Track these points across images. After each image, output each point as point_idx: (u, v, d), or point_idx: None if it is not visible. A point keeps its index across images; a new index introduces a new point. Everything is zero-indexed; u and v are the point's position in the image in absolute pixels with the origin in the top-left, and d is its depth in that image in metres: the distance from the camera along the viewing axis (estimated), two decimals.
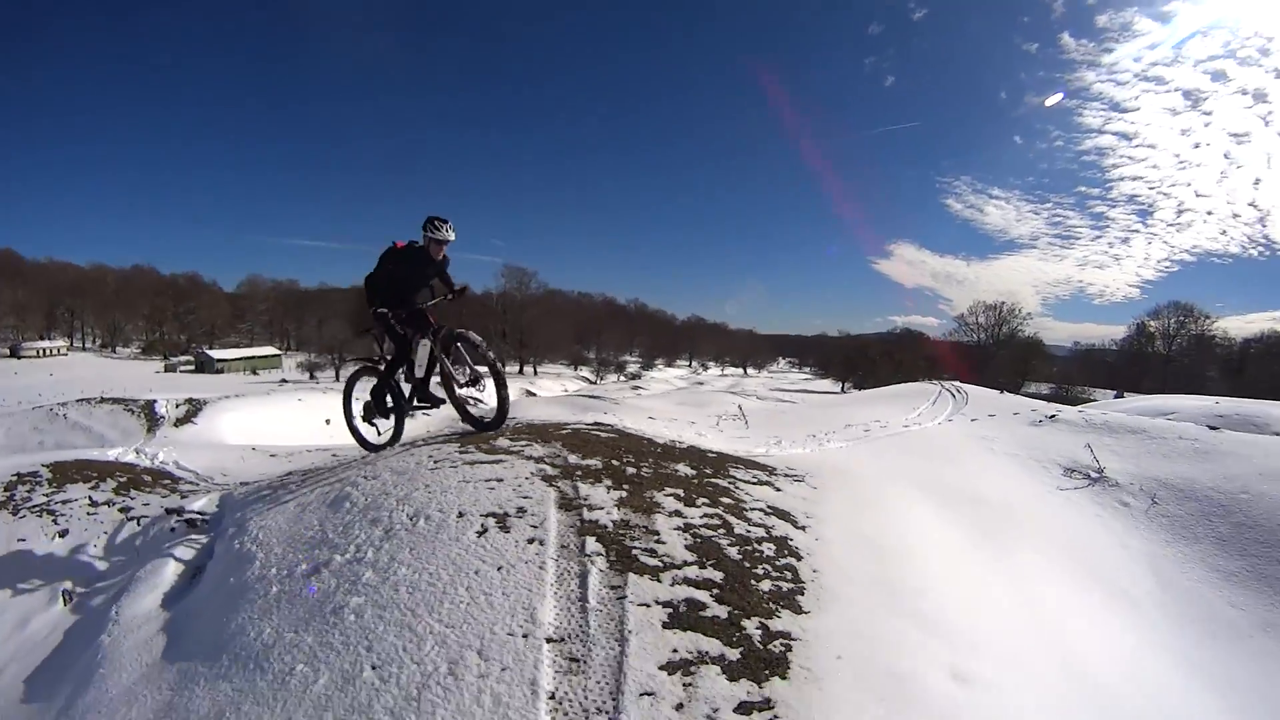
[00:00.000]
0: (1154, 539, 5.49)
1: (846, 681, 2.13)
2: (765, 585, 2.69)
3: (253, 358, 68.30)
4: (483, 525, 2.97)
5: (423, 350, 4.94)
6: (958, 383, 15.13)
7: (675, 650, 2.17)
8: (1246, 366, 44.70)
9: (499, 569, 2.61)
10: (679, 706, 1.95)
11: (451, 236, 4.93)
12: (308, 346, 68.77)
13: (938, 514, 4.81)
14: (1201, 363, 47.90)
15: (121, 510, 5.25)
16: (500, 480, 3.52)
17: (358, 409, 5.43)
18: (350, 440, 5.84)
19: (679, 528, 3.07)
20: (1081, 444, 6.89)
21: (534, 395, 40.57)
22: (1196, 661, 4.14)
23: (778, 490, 4.26)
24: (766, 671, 2.13)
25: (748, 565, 2.83)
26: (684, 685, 2.03)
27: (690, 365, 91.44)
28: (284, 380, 48.84)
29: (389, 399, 5.19)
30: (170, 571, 3.88)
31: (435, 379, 5.09)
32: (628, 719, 1.89)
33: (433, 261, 5.01)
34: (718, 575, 2.67)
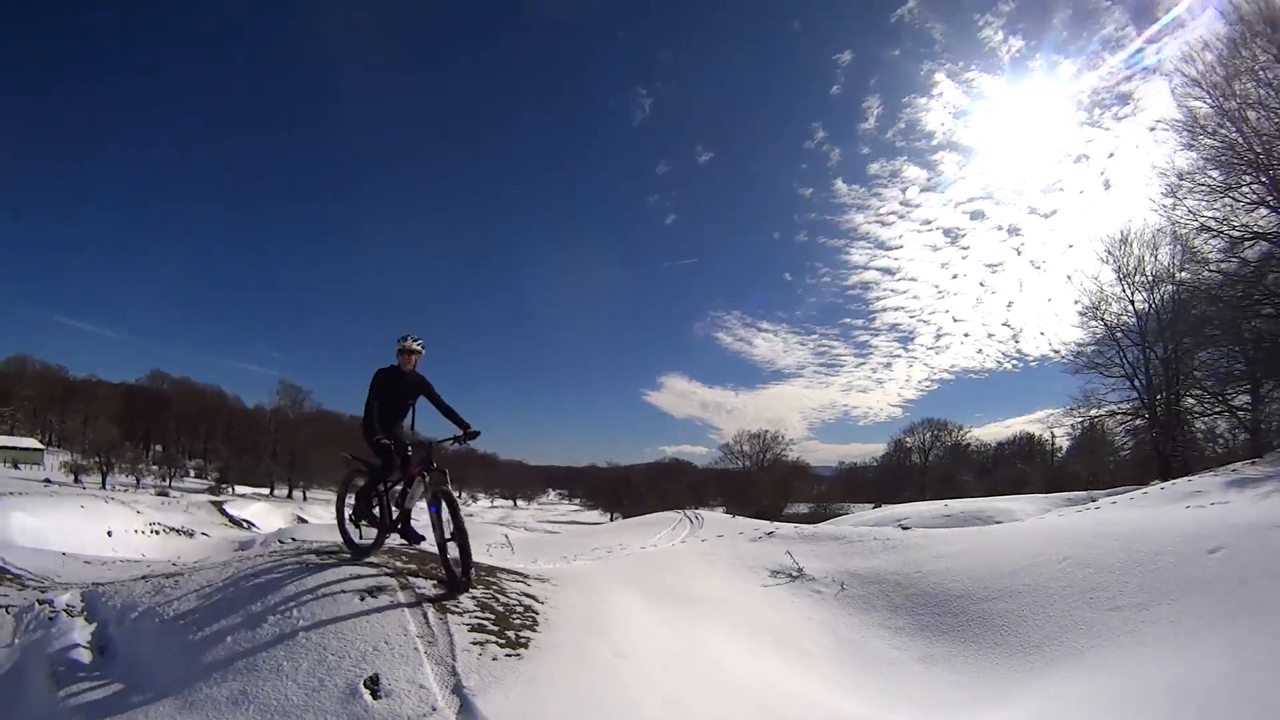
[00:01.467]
0: (838, 613, 7.36)
1: (559, 653, 4.22)
2: (517, 621, 4.75)
3: (13, 448, 59.91)
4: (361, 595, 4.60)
5: (418, 487, 5.05)
6: (699, 510, 18.27)
7: (474, 639, 4.16)
8: (997, 467, 52.81)
9: (378, 611, 4.35)
10: (479, 653, 3.93)
11: (418, 347, 5.30)
12: (70, 444, 61.98)
13: (645, 602, 6.42)
14: (957, 468, 56.02)
15: None
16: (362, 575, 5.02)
17: (348, 510, 5.64)
18: (149, 554, 6.74)
19: (468, 598, 4.91)
20: (791, 556, 9.47)
21: (305, 522, 38.40)
22: (852, 684, 5.73)
23: (528, 585, 5.88)
24: (519, 649, 4.19)
25: (507, 615, 4.83)
26: (480, 647, 4.04)
27: (460, 497, 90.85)
28: (47, 480, 43.88)
29: (376, 509, 5.32)
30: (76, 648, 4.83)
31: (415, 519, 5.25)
32: (459, 661, 3.82)
33: (406, 377, 5.30)
34: (492, 617, 4.66)
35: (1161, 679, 4.34)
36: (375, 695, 3.46)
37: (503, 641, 4.26)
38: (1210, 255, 20.24)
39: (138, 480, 55.88)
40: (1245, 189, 17.49)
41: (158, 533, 22.88)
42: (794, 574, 8.68)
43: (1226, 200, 18.15)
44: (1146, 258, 25.50)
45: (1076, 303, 28.52)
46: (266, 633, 4.07)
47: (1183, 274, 22.97)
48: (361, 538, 5.53)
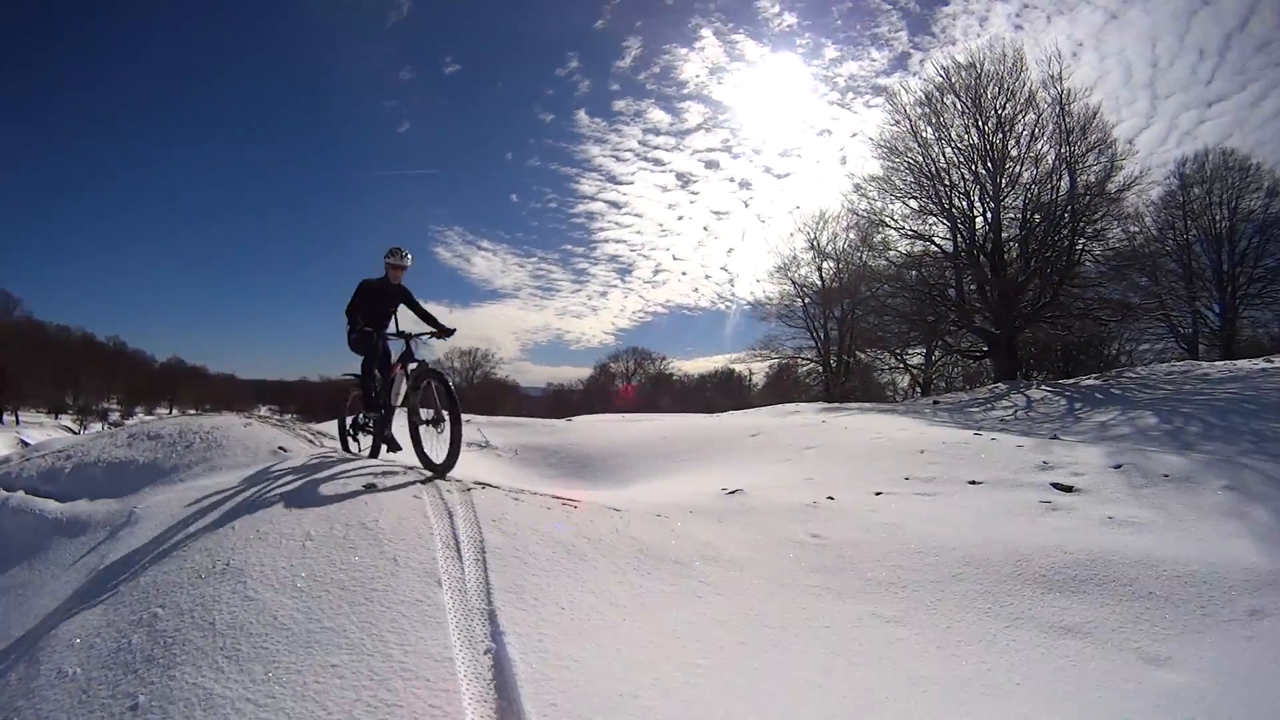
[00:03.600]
0: (511, 466, 10.17)
1: None
2: None
3: None
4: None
5: (401, 381, 5.26)
6: None
7: None
8: (695, 394, 59.52)
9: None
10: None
11: (407, 262, 5.58)
12: None
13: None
14: (656, 395, 63.21)
15: None
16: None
17: (348, 422, 6.10)
18: None
19: None
20: (481, 432, 12.28)
21: (28, 444, 29.32)
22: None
23: None
24: None
25: None
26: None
27: (171, 412, 77.54)
28: None
29: (369, 417, 5.63)
30: None
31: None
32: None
33: (392, 287, 5.56)
34: None
35: (685, 482, 8.19)
36: None
37: None
38: (886, 242, 24.59)
39: None
40: (916, 200, 22.43)
41: None
42: (483, 445, 11.45)
43: (902, 203, 22.90)
44: (838, 234, 30.58)
45: (772, 257, 33.14)
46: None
47: (860, 254, 27.90)
48: (360, 448, 5.95)
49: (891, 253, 24.43)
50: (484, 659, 2.54)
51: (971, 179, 21.77)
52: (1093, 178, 20.15)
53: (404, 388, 5.25)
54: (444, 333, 5.58)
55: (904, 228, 23.24)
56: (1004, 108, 21.19)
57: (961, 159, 21.85)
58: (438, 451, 4.76)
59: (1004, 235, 21.70)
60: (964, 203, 21.94)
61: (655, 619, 3.13)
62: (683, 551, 3.99)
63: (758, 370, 40.18)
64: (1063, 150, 20.29)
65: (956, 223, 22.02)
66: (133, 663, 2.46)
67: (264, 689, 2.27)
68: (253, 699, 2.22)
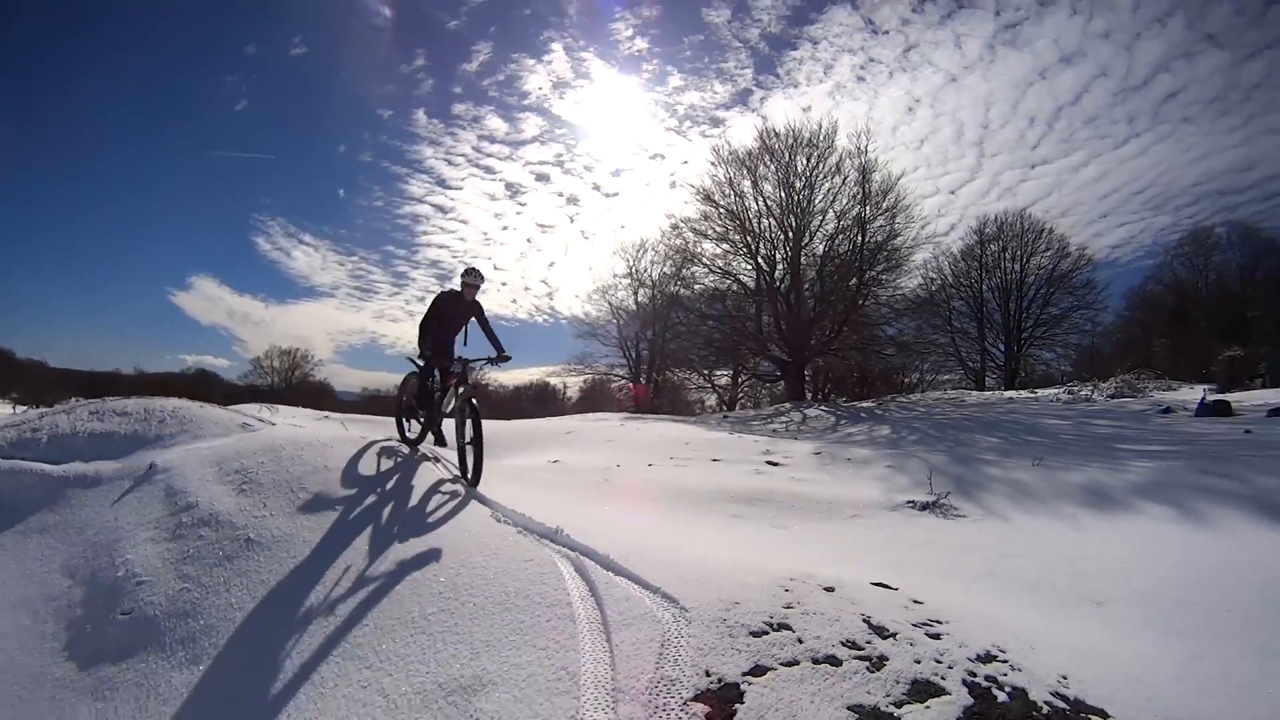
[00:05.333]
0: None
1: None
2: None
3: None
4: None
5: (451, 396, 5.86)
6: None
7: None
8: (510, 403, 58.10)
9: None
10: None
11: (481, 282, 6.19)
12: None
13: None
14: None
15: None
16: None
17: (405, 406, 6.55)
18: None
19: None
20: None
21: None
22: None
23: None
24: None
25: None
26: None
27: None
28: None
29: (424, 406, 6.19)
30: None
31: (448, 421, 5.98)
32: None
33: (464, 302, 6.12)
34: None
35: (522, 458, 9.78)
36: None
37: None
38: (695, 277, 28.19)
39: None
40: (727, 243, 26.23)
41: None
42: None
43: (714, 244, 26.65)
44: (655, 264, 32.54)
45: (593, 278, 35.18)
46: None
47: (674, 285, 30.81)
48: (410, 430, 6.53)
49: (699, 286, 28.01)
50: None
51: (778, 228, 26.04)
52: (881, 236, 25.27)
53: (453, 401, 5.88)
54: (501, 358, 6.16)
55: (714, 265, 26.88)
56: (813, 171, 25.79)
57: (770, 211, 26.07)
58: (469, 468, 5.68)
59: (802, 278, 26.09)
60: (769, 249, 26.13)
61: (540, 498, 5.16)
62: (534, 479, 6.51)
63: (572, 384, 41.62)
64: (860, 211, 25.12)
65: (760, 265, 25.96)
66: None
67: None
68: None
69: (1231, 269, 33.40)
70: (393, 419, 7.86)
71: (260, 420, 7.14)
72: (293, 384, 52.71)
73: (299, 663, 3.12)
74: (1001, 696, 2.69)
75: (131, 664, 3.43)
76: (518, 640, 2.99)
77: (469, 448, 5.48)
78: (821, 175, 25.64)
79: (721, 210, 26.51)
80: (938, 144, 58.94)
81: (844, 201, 25.56)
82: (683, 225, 27.86)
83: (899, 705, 2.54)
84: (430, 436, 6.32)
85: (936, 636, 3.10)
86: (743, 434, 12.40)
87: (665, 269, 32.26)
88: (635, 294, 34.40)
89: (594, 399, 37.99)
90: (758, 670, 2.67)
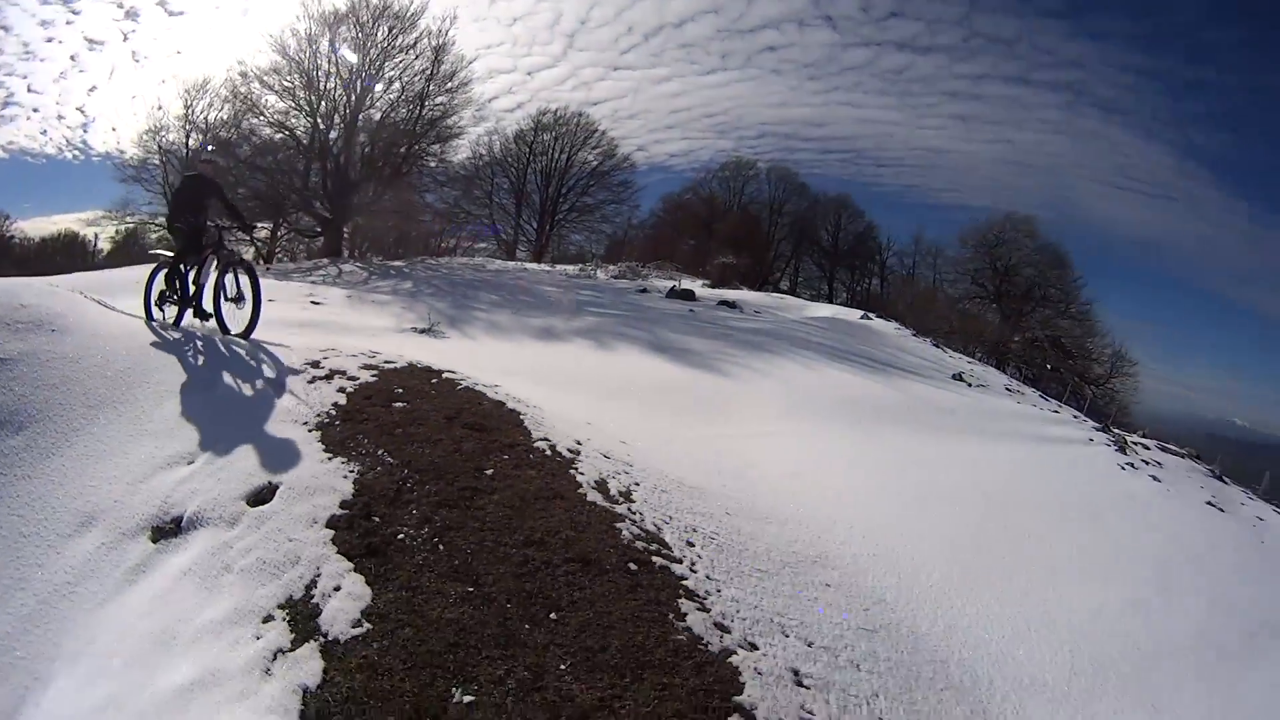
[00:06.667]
0: None
1: None
2: None
3: None
4: None
5: (210, 264, 6.14)
6: None
7: None
8: (38, 259, 42.36)
9: None
10: None
11: (210, 156, 5.89)
12: None
13: None
14: None
15: None
16: None
17: (155, 293, 6.41)
18: None
19: None
20: None
21: None
22: None
23: None
24: None
25: None
26: None
27: None
28: None
29: (178, 289, 6.25)
30: None
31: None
32: None
33: (204, 180, 6.52)
34: None
35: None
36: None
37: None
38: (254, 129, 26.21)
39: None
40: (294, 98, 25.14)
41: None
42: None
43: (278, 97, 25.10)
44: (211, 107, 29.16)
45: (142, 117, 28.76)
46: None
47: (230, 133, 27.21)
48: (165, 316, 6.36)
49: (256, 139, 26.35)
50: None
51: (343, 91, 26.06)
52: (438, 114, 27.35)
53: (213, 270, 6.20)
54: (248, 228, 7.01)
55: (273, 119, 25.64)
56: (391, 43, 26.23)
57: (340, 73, 25.93)
58: (238, 323, 6.15)
59: (355, 141, 26.74)
60: (329, 108, 25.97)
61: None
62: None
63: (105, 235, 36.33)
64: (424, 88, 26.64)
65: (318, 123, 25.81)
66: None
67: None
68: None
69: (763, 198, 44.24)
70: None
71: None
72: None
73: None
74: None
75: None
76: None
77: (238, 302, 6.08)
78: (398, 49, 26.40)
79: (293, 64, 25.40)
80: (531, 26, 61.17)
81: (411, 76, 26.87)
82: (253, 75, 25.50)
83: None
84: (190, 313, 6.41)
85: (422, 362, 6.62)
86: (286, 282, 13.88)
87: (223, 114, 29.03)
88: (188, 138, 29.85)
89: (128, 252, 32.66)
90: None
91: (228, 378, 5.01)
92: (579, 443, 4.79)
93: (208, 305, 6.24)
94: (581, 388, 7.67)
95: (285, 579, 2.95)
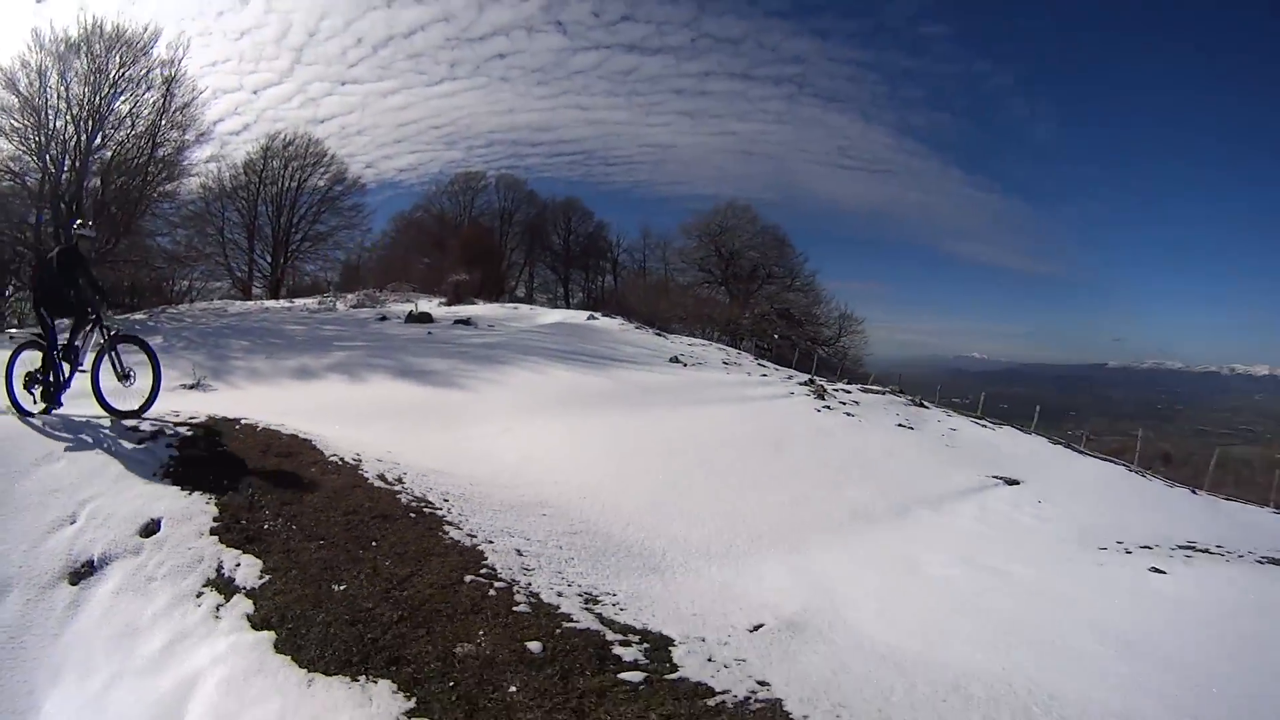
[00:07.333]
0: None
1: None
2: None
3: None
4: None
5: (88, 343, 6.41)
6: None
7: None
8: None
9: None
10: None
11: (89, 233, 6.89)
12: None
13: None
14: None
15: None
16: None
17: (19, 378, 6.40)
18: None
19: None
20: None
21: None
22: None
23: None
24: None
25: None
26: None
27: None
28: None
29: (51, 376, 6.36)
30: None
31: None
32: None
33: (79, 254, 6.51)
34: None
35: None
36: None
37: None
38: None
39: None
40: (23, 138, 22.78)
41: None
42: None
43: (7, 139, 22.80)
44: None
45: None
46: None
47: None
48: (36, 403, 6.42)
49: None
50: None
51: (74, 129, 23.76)
52: (172, 149, 25.92)
53: (92, 348, 6.33)
54: (112, 304, 7.44)
55: (2, 165, 22.94)
56: (123, 76, 24.36)
57: (70, 109, 23.63)
58: (129, 401, 6.57)
59: (86, 185, 24.23)
60: (59, 150, 23.61)
61: None
62: None
63: None
64: (155, 122, 25.12)
65: (48, 166, 23.44)
66: None
67: None
68: None
69: (493, 208, 46.23)
70: None
71: None
72: None
73: None
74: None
75: None
76: None
77: (125, 380, 6.52)
78: (129, 81, 24.73)
79: (23, 101, 23.19)
80: (258, 40, 56.31)
81: (143, 110, 25.25)
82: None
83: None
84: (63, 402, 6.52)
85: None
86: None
87: None
88: None
89: None
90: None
91: (76, 447, 6.05)
92: (359, 455, 6.98)
93: (86, 385, 6.36)
94: (347, 417, 9.50)
95: (200, 570, 4.80)
